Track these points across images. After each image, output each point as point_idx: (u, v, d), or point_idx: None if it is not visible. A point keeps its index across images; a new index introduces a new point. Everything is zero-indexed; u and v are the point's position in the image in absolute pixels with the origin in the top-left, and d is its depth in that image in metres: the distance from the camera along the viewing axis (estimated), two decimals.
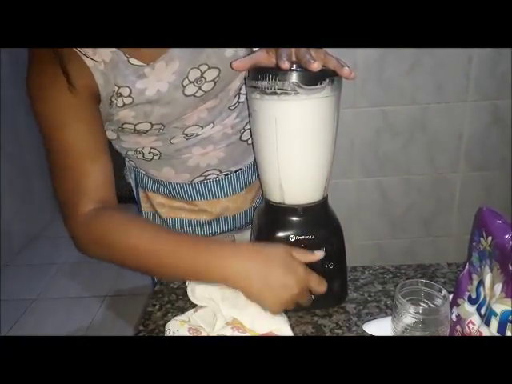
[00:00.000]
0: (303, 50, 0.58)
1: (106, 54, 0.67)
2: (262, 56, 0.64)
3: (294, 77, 0.59)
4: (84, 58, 0.66)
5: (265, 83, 0.60)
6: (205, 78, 0.73)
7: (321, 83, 0.59)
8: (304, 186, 0.67)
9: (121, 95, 0.70)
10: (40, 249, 2.66)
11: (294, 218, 0.67)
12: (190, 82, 0.73)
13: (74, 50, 0.65)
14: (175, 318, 0.64)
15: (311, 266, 0.64)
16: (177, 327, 0.63)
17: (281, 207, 0.67)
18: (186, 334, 0.62)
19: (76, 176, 0.67)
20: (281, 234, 0.66)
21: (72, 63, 0.65)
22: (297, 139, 0.64)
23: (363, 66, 1.50)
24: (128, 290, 2.23)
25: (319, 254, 0.65)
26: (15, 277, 2.45)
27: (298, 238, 0.66)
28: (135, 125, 0.74)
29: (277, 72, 0.59)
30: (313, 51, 0.59)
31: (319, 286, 0.64)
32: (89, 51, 0.66)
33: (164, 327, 0.64)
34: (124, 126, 0.75)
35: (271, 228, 0.67)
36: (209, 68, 0.72)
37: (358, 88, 1.52)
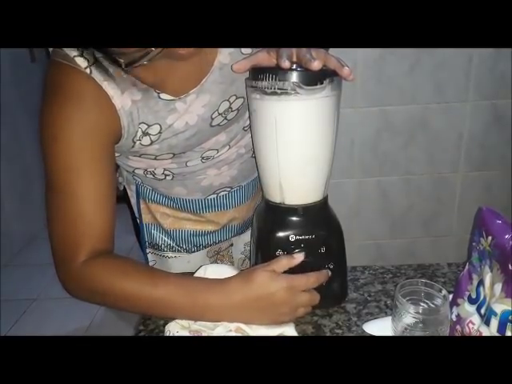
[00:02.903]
0: (304, 49, 0.58)
1: (135, 92, 0.65)
2: (263, 56, 0.64)
3: (294, 76, 0.59)
4: (113, 99, 0.64)
5: (265, 83, 0.60)
6: (231, 108, 0.73)
7: (321, 83, 0.59)
8: (304, 186, 0.67)
9: (148, 134, 0.69)
10: (40, 249, 2.65)
11: (294, 218, 0.67)
12: (219, 114, 0.73)
13: (104, 91, 0.63)
14: (176, 320, 0.64)
15: (312, 267, 0.64)
16: (177, 329, 0.63)
17: (281, 207, 0.67)
18: (187, 335, 0.62)
19: (77, 226, 0.64)
20: (281, 234, 0.66)
21: (99, 105, 0.63)
22: (297, 139, 0.64)
23: (363, 66, 1.50)
24: None
25: (299, 256, 0.63)
26: (15, 277, 2.45)
27: (297, 237, 0.66)
28: (157, 156, 0.73)
29: (277, 72, 0.59)
30: (313, 51, 0.59)
31: (311, 301, 0.63)
32: (118, 91, 0.64)
33: (164, 327, 0.64)
34: (142, 157, 0.74)
35: (271, 228, 0.67)
36: (236, 98, 0.72)
37: (358, 88, 1.52)
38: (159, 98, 0.68)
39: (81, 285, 0.66)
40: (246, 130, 0.81)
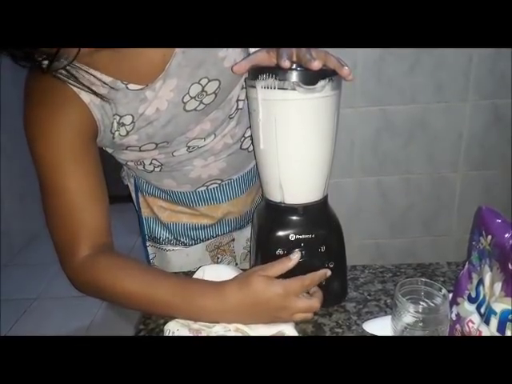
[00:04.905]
0: (304, 49, 0.59)
1: (103, 85, 0.66)
2: (262, 56, 0.64)
3: (294, 76, 0.59)
4: (81, 94, 0.65)
5: (265, 83, 0.60)
6: (206, 92, 0.72)
7: (321, 83, 0.59)
8: (304, 186, 0.67)
9: (123, 124, 0.70)
10: (40, 249, 2.66)
11: (294, 218, 0.67)
12: (192, 98, 0.72)
13: (71, 87, 0.65)
14: (176, 319, 0.64)
15: (312, 266, 0.64)
16: (177, 327, 0.63)
17: (281, 207, 0.67)
18: (187, 333, 0.62)
19: (73, 220, 0.67)
20: (281, 234, 0.66)
21: (69, 102, 0.65)
22: (297, 139, 0.64)
23: (363, 66, 1.50)
24: None
25: (296, 257, 0.63)
26: (15, 277, 2.45)
27: (297, 237, 0.66)
28: (140, 147, 0.74)
29: (277, 71, 0.59)
30: (313, 51, 0.59)
31: (310, 308, 0.62)
32: (85, 86, 0.65)
33: (164, 326, 0.64)
34: (129, 149, 0.75)
35: (271, 227, 0.67)
36: (209, 81, 0.71)
37: (358, 88, 1.52)
38: (127, 88, 0.68)
39: (84, 280, 0.67)
40: (231, 118, 0.80)
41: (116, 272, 0.65)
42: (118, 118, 0.69)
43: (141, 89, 0.68)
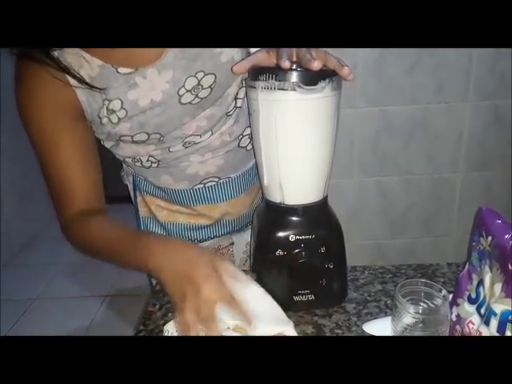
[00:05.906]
0: (304, 49, 0.59)
1: (93, 68, 0.67)
2: (262, 56, 0.64)
3: (294, 76, 0.59)
4: (68, 77, 0.67)
5: (265, 83, 0.60)
6: (201, 86, 0.72)
7: (321, 83, 0.59)
8: (304, 186, 0.67)
9: (113, 111, 0.70)
10: (40, 249, 2.66)
11: (294, 218, 0.67)
12: (187, 91, 0.72)
13: (58, 71, 0.67)
14: (175, 320, 0.64)
15: (312, 267, 0.64)
16: (176, 328, 0.63)
17: (281, 207, 0.67)
18: None
19: (60, 187, 0.74)
20: (281, 234, 0.66)
21: (55, 82, 0.67)
22: (297, 139, 0.64)
23: (363, 66, 1.50)
24: (128, 290, 2.23)
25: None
26: (15, 277, 2.45)
27: (297, 237, 0.66)
28: (132, 136, 0.74)
29: (277, 72, 0.59)
30: (313, 51, 0.59)
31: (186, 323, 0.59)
32: (74, 67, 0.67)
33: (163, 327, 0.64)
34: (122, 139, 0.75)
35: (271, 228, 0.67)
36: (205, 75, 0.72)
37: (358, 88, 1.52)
38: (117, 72, 0.69)
39: (72, 236, 0.75)
40: (228, 116, 0.80)
41: (102, 224, 0.72)
42: (107, 102, 0.70)
43: (130, 72, 0.69)
